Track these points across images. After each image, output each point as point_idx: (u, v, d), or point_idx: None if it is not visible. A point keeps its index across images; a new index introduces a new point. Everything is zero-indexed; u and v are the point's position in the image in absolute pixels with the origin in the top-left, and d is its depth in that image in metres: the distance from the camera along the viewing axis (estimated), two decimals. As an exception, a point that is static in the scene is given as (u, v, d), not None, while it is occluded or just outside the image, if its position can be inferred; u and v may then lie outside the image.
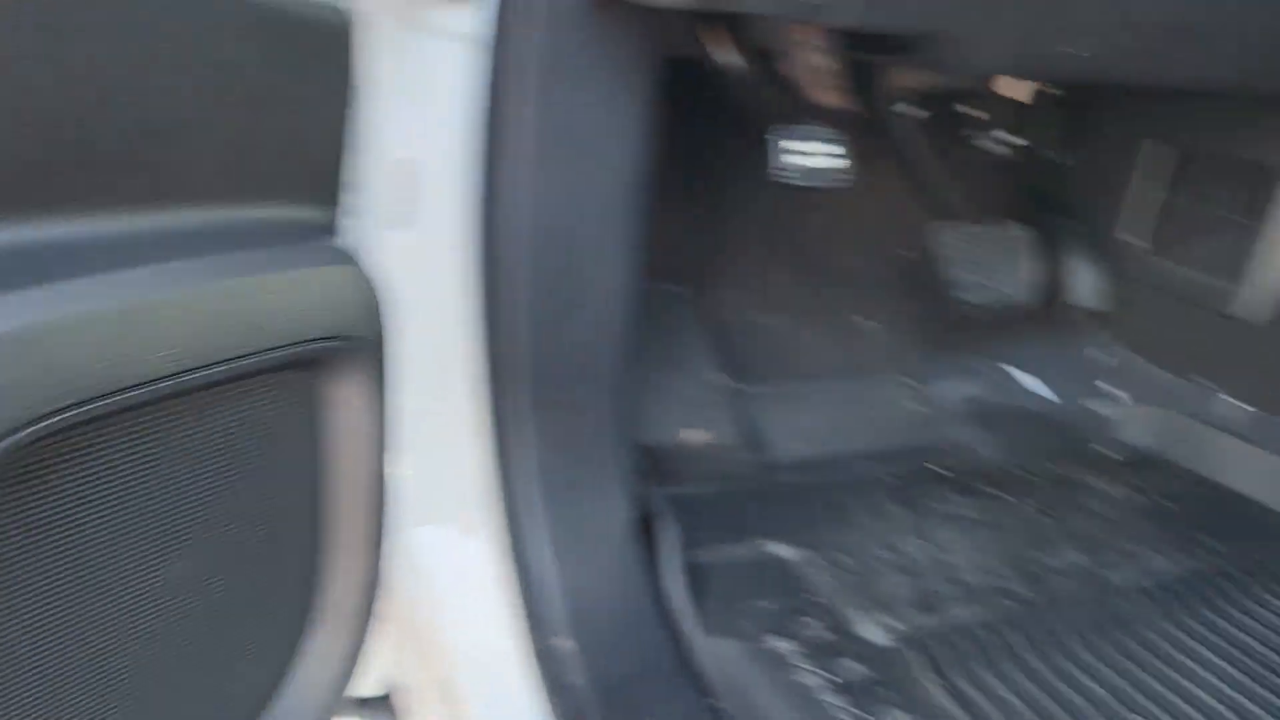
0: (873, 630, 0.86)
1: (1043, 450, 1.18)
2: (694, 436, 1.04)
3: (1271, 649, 0.89)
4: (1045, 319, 1.27)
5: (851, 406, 1.17)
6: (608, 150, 0.78)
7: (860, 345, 1.22)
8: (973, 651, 0.84)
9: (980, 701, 0.79)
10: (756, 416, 1.10)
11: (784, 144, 0.93)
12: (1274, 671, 0.86)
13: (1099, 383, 1.25)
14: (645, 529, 0.92)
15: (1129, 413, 1.23)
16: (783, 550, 0.96)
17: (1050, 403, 1.26)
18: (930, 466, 1.11)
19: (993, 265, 1.20)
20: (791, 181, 0.93)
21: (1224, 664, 0.86)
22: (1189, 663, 0.86)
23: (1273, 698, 0.82)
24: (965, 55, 0.81)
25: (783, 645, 0.84)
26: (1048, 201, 1.31)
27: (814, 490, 1.05)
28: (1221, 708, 0.81)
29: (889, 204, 1.26)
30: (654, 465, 1.01)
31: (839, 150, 0.93)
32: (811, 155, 0.92)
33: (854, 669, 0.82)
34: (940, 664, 0.83)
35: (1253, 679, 0.84)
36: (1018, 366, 1.27)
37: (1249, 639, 0.90)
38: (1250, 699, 0.82)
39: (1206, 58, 0.87)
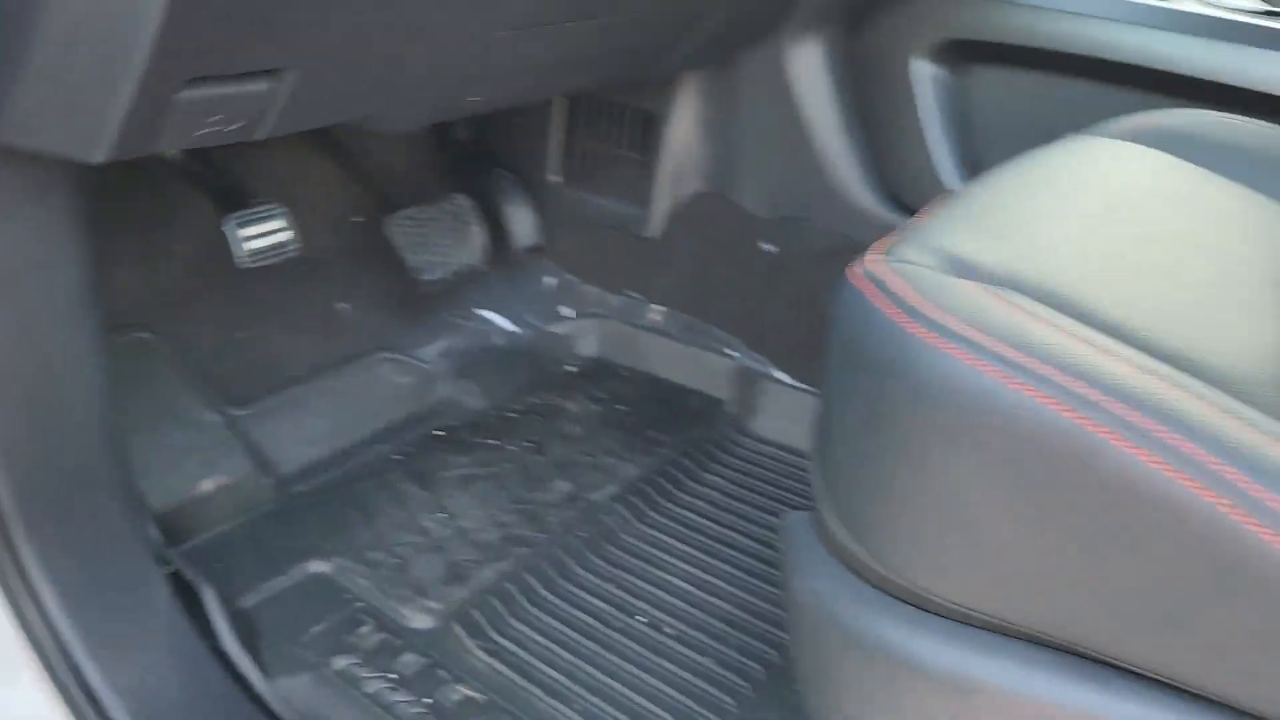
0: (419, 618, 0.99)
1: (521, 384, 1.35)
2: (206, 486, 1.06)
3: (715, 521, 1.15)
4: (504, 262, 1.42)
5: (345, 396, 1.25)
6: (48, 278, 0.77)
7: (339, 334, 1.29)
8: (501, 608, 1.00)
9: (518, 652, 0.96)
10: (258, 438, 1.14)
11: (238, 231, 0.95)
12: (725, 544, 1.11)
13: (559, 309, 1.45)
14: (186, 599, 0.95)
15: (579, 328, 1.44)
16: (320, 566, 1.04)
17: (519, 335, 1.43)
18: (434, 433, 1.24)
19: (445, 241, 1.32)
20: (255, 265, 0.97)
21: (687, 547, 1.11)
22: (661, 554, 1.09)
23: (728, 567, 1.08)
24: (391, 125, 0.90)
25: (344, 661, 0.94)
26: (489, 160, 1.46)
27: (334, 493, 1.13)
28: (692, 588, 1.05)
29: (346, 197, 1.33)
30: (176, 528, 1.02)
31: (283, 224, 0.98)
32: (261, 235, 0.96)
33: (411, 661, 0.94)
34: (479, 629, 0.98)
35: (710, 554, 1.10)
36: (490, 310, 1.42)
37: (699, 518, 1.15)
38: (711, 572, 1.07)
39: (586, 75, 1.03)
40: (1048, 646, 0.54)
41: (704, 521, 1.14)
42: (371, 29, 0.76)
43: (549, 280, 1.46)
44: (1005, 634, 0.54)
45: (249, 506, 1.08)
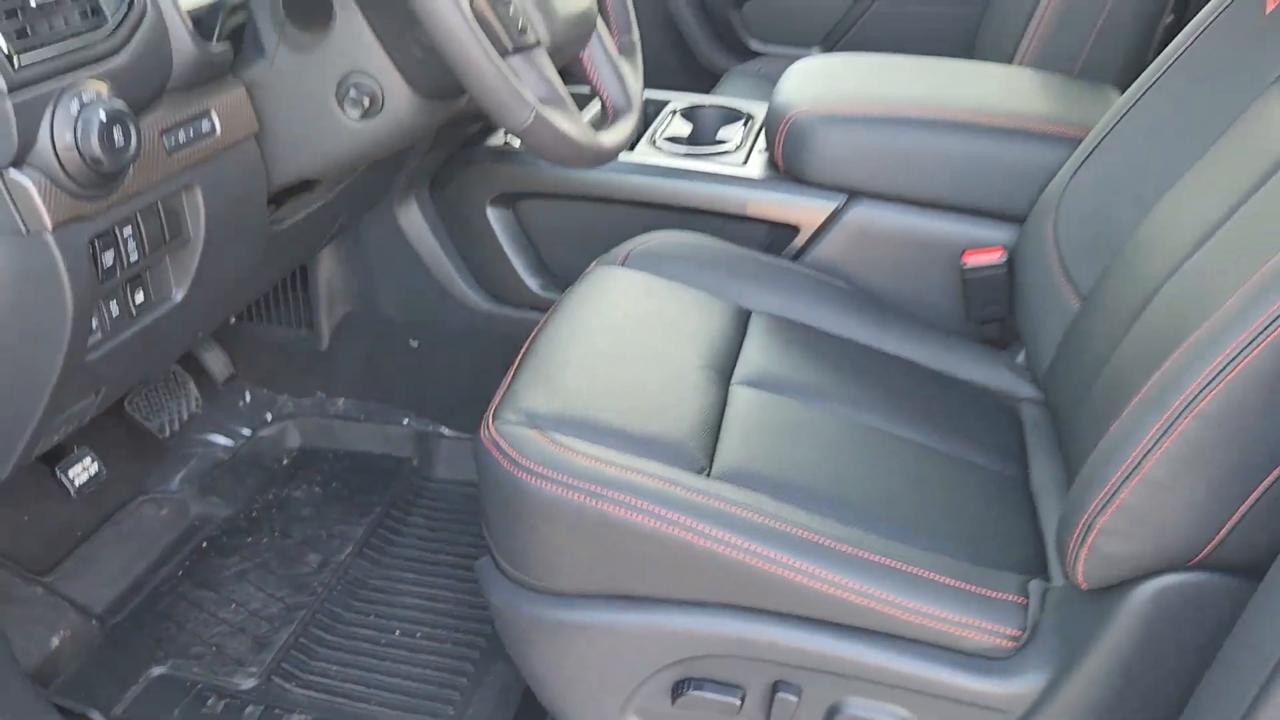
0: (247, 681, 1.43)
1: (253, 486, 1.77)
2: (54, 641, 1.42)
3: (426, 549, 1.66)
4: (213, 395, 1.81)
5: (125, 539, 1.61)
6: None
7: (105, 494, 1.64)
8: (301, 656, 1.46)
9: (324, 680, 1.43)
10: (72, 592, 1.50)
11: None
12: (437, 564, 1.63)
13: (265, 417, 1.86)
14: (74, 724, 1.33)
15: (283, 429, 1.87)
16: (160, 669, 1.44)
17: (238, 447, 1.83)
18: (202, 545, 1.64)
19: (169, 401, 1.70)
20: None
21: (414, 574, 1.61)
22: (399, 585, 1.59)
23: (444, 580, 1.59)
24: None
25: (205, 727, 1.37)
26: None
27: (146, 614, 1.52)
28: (425, 602, 1.56)
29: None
30: (43, 676, 1.39)
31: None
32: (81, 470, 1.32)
33: (252, 712, 1.39)
34: (291, 674, 1.43)
35: (430, 574, 1.61)
36: (212, 434, 1.81)
37: (416, 550, 1.66)
38: (435, 587, 1.58)
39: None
40: (621, 598, 1.10)
41: (420, 551, 1.65)
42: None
43: (250, 398, 1.87)
44: (589, 595, 1.10)
45: (88, 644, 1.46)
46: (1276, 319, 0.84)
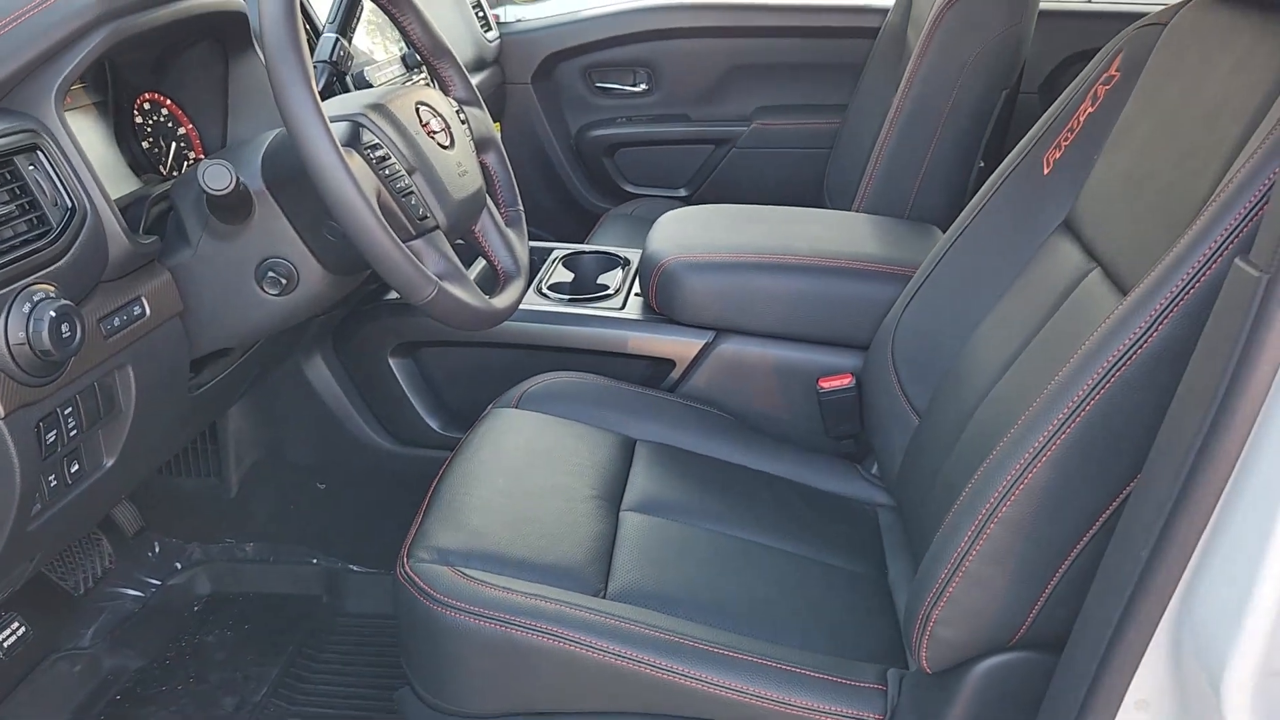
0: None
1: (165, 634, 1.83)
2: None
3: (343, 682, 1.74)
4: (124, 549, 1.87)
5: (41, 696, 1.65)
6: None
7: (20, 657, 1.68)
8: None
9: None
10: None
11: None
12: (354, 695, 1.71)
13: (175, 565, 1.92)
14: None
15: (193, 577, 1.94)
16: (80, 824, 1.48)
17: (149, 598, 1.89)
18: (115, 698, 1.69)
19: (82, 559, 1.76)
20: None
21: (333, 710, 1.69)
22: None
23: (361, 704, 1.67)
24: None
25: None
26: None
27: (62, 770, 1.56)
28: (340, 733, 1.63)
29: None
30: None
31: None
32: None
33: None
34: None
35: (349, 705, 1.69)
36: (121, 587, 1.86)
37: (332, 685, 1.73)
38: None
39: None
40: (524, 715, 1.22)
41: (335, 686, 1.73)
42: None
43: (159, 549, 1.94)
44: (502, 715, 1.22)
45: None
46: (1052, 438, 1.04)
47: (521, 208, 1.53)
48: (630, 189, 2.82)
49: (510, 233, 1.46)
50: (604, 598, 1.26)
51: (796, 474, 1.63)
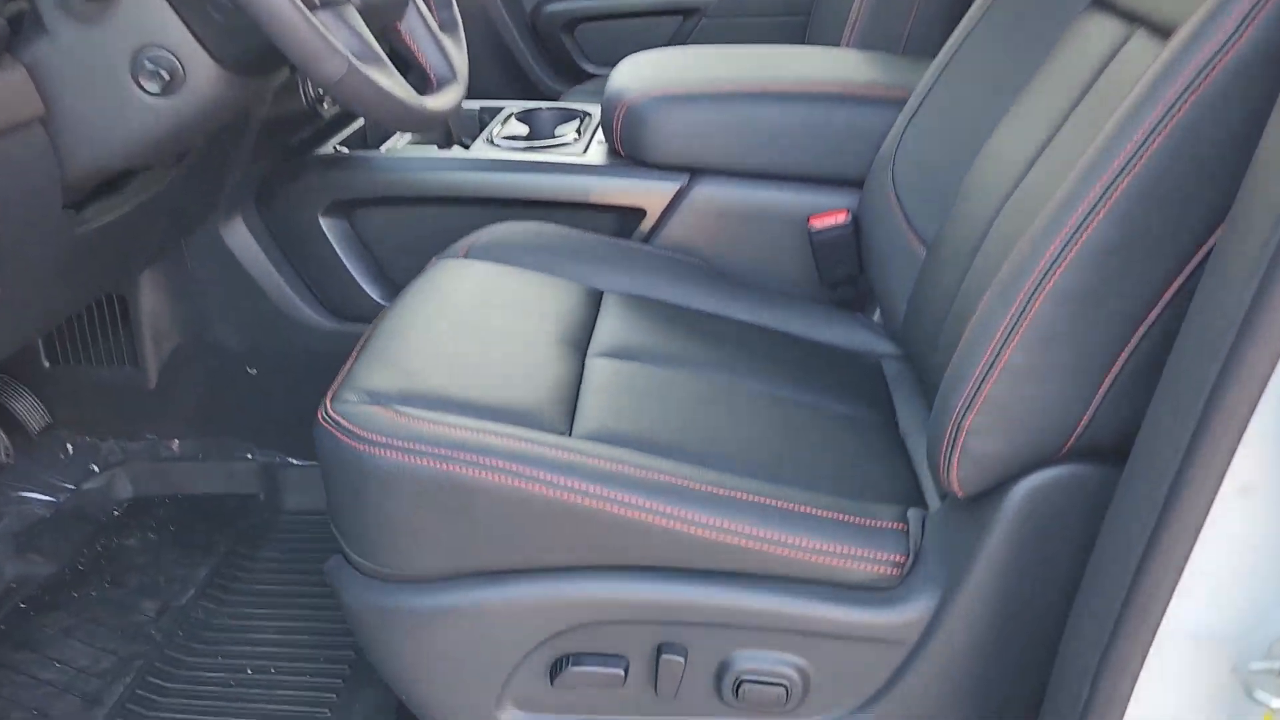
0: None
1: (79, 541, 1.61)
2: None
3: (280, 580, 1.53)
4: (26, 447, 1.65)
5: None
6: None
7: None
8: (138, 709, 1.32)
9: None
10: None
11: None
12: (292, 594, 1.50)
13: (90, 468, 1.71)
14: None
15: (112, 479, 1.72)
16: (-28, 742, 1.27)
17: (60, 503, 1.67)
18: (20, 605, 1.48)
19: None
20: None
21: (266, 609, 1.48)
22: (250, 621, 1.46)
23: (298, 610, 1.47)
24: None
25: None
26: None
27: (-47, 685, 1.35)
28: (279, 635, 1.43)
29: None
30: None
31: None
32: None
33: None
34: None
35: (284, 605, 1.48)
36: (26, 490, 1.65)
37: (268, 585, 1.53)
38: (289, 619, 1.46)
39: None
40: (486, 574, 1.02)
41: (272, 585, 1.52)
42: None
43: (71, 449, 1.71)
44: (449, 577, 1.02)
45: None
46: (1109, 188, 0.84)
47: (457, 15, 1.31)
48: (591, 69, 2.59)
49: (444, 37, 1.24)
50: (569, 437, 1.06)
51: (790, 325, 1.44)
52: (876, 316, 1.48)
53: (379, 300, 1.64)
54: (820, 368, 1.35)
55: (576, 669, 1.03)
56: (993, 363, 0.89)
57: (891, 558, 1.00)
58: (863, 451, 1.17)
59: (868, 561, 0.99)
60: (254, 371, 1.69)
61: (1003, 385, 0.89)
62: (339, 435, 1.00)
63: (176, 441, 1.74)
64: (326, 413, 1.03)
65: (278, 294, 1.63)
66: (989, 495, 0.95)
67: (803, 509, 1.01)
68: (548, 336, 1.23)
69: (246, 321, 1.66)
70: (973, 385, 0.90)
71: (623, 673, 1.03)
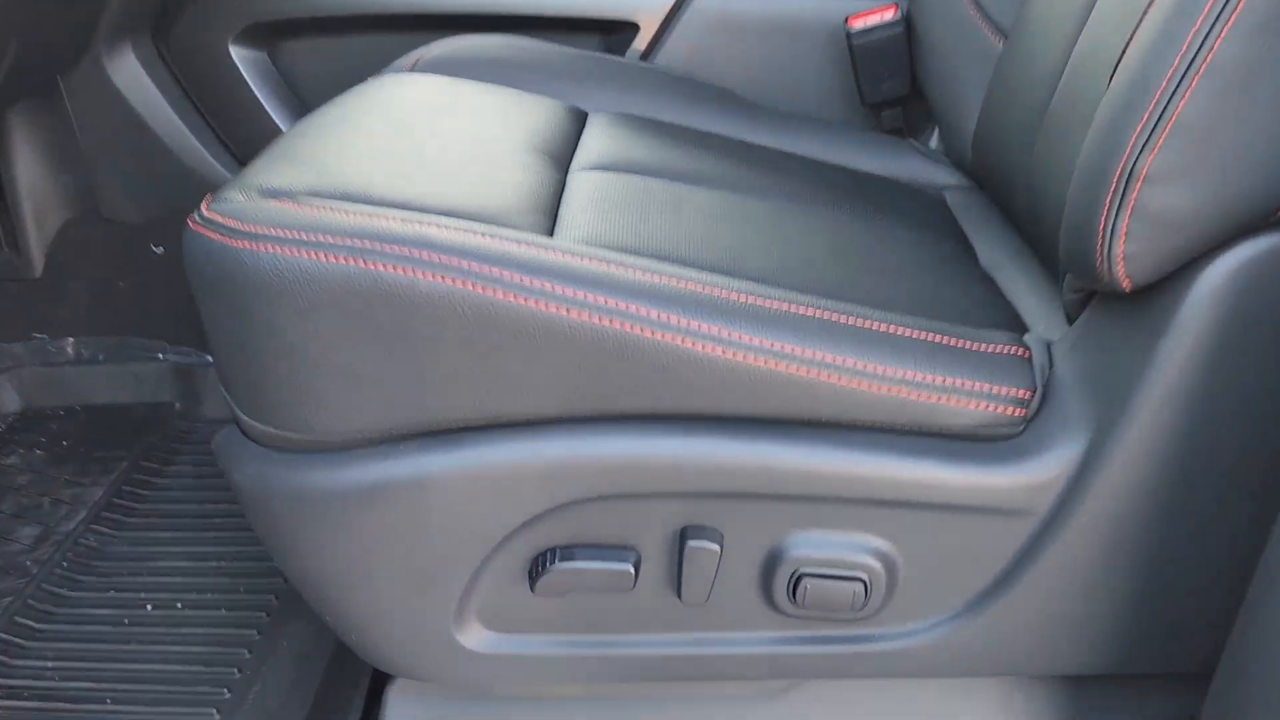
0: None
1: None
2: None
3: (195, 502, 1.22)
4: None
5: None
6: None
7: None
8: (2, 658, 1.01)
9: (34, 684, 0.98)
10: None
11: None
12: (207, 515, 1.19)
13: None
14: None
15: None
16: None
17: None
18: None
19: None
20: None
21: (176, 533, 1.18)
22: (154, 549, 1.15)
23: (217, 533, 1.16)
24: None
25: None
26: None
27: None
28: (192, 563, 1.13)
29: None
30: None
31: None
32: None
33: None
34: (-15, 682, 0.98)
35: (199, 529, 1.17)
36: None
37: (179, 504, 1.22)
38: (204, 543, 1.15)
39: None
40: (436, 433, 0.71)
41: (184, 506, 1.22)
42: None
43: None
44: (382, 440, 0.71)
45: None
46: None
47: None
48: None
49: None
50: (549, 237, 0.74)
51: (828, 153, 1.13)
52: (934, 142, 1.18)
53: (310, 154, 1.31)
54: (873, 195, 1.04)
55: (565, 566, 0.72)
56: (1173, 93, 0.58)
57: (1012, 392, 0.70)
58: (945, 276, 0.87)
59: (979, 397, 0.69)
60: (160, 250, 1.37)
61: (1195, 111, 0.58)
62: (213, 236, 0.69)
63: (71, 341, 1.42)
64: (198, 215, 0.72)
65: (182, 147, 1.31)
66: (1160, 292, 0.65)
67: (885, 328, 0.71)
68: (517, 145, 0.92)
69: (145, 185, 1.34)
70: (1147, 121, 0.60)
71: (631, 570, 0.73)
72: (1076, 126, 0.76)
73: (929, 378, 0.69)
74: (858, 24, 1.16)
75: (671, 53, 1.24)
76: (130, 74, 1.29)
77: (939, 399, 0.69)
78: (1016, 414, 0.70)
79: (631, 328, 0.66)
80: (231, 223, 0.69)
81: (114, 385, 1.41)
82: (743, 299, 0.69)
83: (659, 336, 0.66)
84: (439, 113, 0.97)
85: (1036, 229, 0.87)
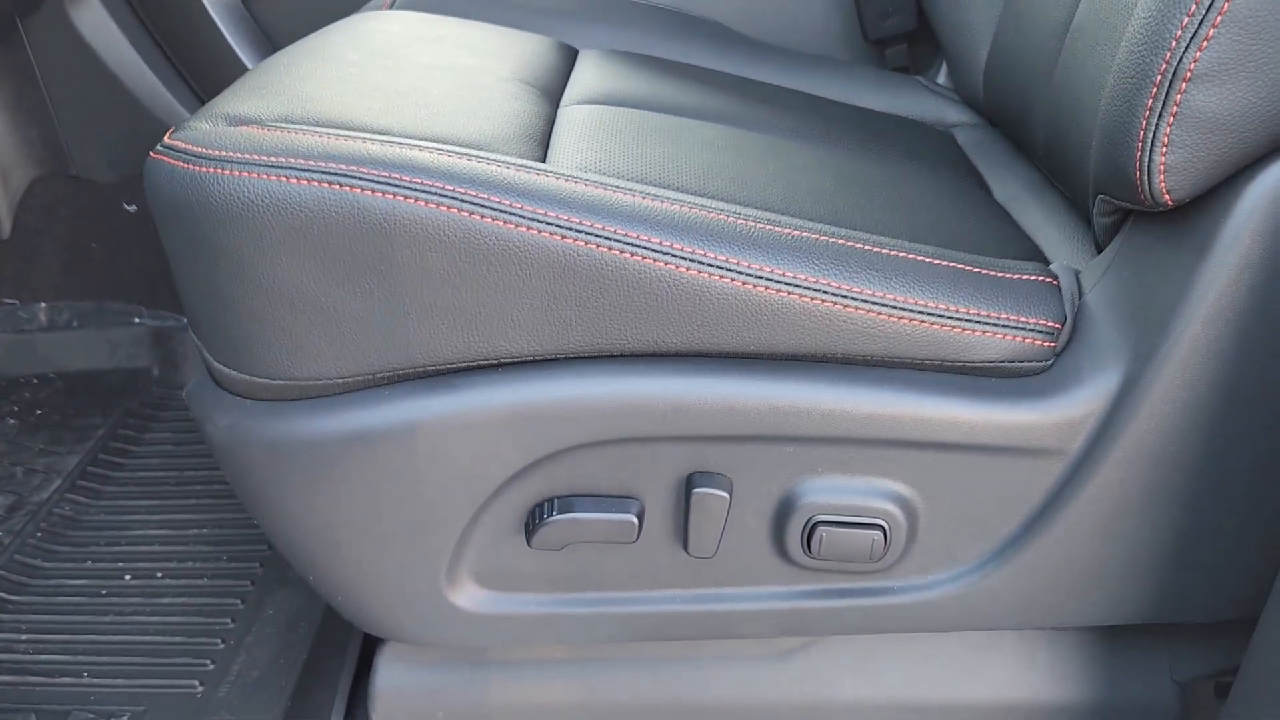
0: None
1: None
2: None
3: (175, 470, 1.17)
4: None
5: None
6: None
7: None
8: None
9: (4, 659, 0.93)
10: None
11: None
12: (189, 484, 1.14)
13: None
14: None
15: None
16: None
17: None
18: None
19: None
20: None
21: (154, 501, 1.12)
22: (132, 517, 1.10)
23: (198, 500, 1.11)
24: None
25: None
26: None
27: None
28: (172, 531, 1.07)
29: None
30: None
31: None
32: None
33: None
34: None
35: (180, 497, 1.12)
36: None
37: (159, 473, 1.17)
38: (186, 511, 1.10)
39: None
40: (423, 376, 0.66)
41: (163, 474, 1.17)
42: None
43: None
44: (368, 384, 0.66)
45: None
46: None
47: None
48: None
49: None
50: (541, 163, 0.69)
51: (831, 89, 1.07)
52: (942, 78, 1.12)
53: (288, 105, 1.25)
54: (881, 131, 0.99)
55: (564, 518, 0.68)
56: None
57: (1040, 322, 0.65)
58: (960, 210, 0.82)
59: (1005, 328, 0.64)
60: (133, 208, 1.31)
61: (1241, 14, 0.53)
62: (174, 163, 0.63)
63: (43, 306, 1.36)
64: (160, 145, 0.67)
65: (151, 97, 1.25)
66: (1202, 209, 0.60)
67: (903, 255, 0.66)
68: (505, 76, 0.87)
69: (114, 140, 1.28)
70: (1192, 19, 0.55)
71: (635, 520, 0.68)
72: (1104, 42, 0.70)
73: (951, 307, 0.64)
74: (860, -45, 1.10)
75: (664, -9, 1.18)
76: (94, 18, 1.23)
77: (962, 330, 0.64)
78: (1045, 345, 0.65)
79: (630, 254, 0.61)
80: (196, 149, 0.63)
81: (89, 351, 1.35)
82: (750, 225, 0.64)
83: (660, 264, 0.61)
84: (421, 45, 0.91)
85: (1058, 161, 0.82)
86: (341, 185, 0.60)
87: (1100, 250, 0.70)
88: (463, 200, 0.60)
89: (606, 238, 0.61)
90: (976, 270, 0.66)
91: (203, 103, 1.27)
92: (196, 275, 0.65)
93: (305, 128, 0.65)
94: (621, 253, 0.61)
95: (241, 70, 1.24)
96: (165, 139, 0.67)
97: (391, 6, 1.05)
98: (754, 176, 0.76)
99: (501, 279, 0.61)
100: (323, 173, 0.60)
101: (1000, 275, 0.67)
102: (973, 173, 0.94)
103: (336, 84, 0.76)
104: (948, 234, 0.74)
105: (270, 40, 1.26)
